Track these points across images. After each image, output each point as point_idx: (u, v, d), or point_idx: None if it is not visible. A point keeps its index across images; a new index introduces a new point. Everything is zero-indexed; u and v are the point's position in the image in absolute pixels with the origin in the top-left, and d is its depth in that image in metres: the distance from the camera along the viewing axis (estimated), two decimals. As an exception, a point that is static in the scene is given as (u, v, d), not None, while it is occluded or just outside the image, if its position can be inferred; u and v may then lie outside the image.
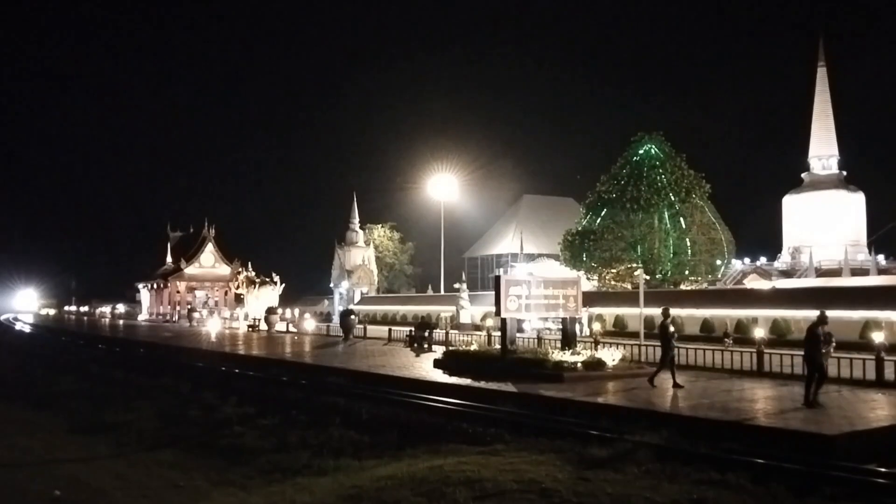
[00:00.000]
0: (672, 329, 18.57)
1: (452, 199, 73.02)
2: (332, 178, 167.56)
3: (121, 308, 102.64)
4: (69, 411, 22.82)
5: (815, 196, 75.83)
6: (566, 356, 20.63)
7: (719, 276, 51.40)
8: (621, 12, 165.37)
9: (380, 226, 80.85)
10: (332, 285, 70.02)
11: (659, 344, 19.08)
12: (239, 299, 70.42)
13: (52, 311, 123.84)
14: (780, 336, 30.40)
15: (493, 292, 22.97)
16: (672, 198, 46.16)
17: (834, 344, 18.85)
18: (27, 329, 77.55)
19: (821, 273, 63.09)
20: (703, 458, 11.82)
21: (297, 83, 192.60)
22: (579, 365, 20.08)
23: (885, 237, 70.78)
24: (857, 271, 61.24)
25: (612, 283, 46.87)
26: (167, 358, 34.60)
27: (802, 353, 16.15)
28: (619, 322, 38.48)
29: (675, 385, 17.85)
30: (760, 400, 16.27)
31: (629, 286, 44.18)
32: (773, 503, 9.92)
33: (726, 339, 27.49)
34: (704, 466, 11.28)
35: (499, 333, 24.55)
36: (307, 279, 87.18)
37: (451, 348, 27.62)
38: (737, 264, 65.48)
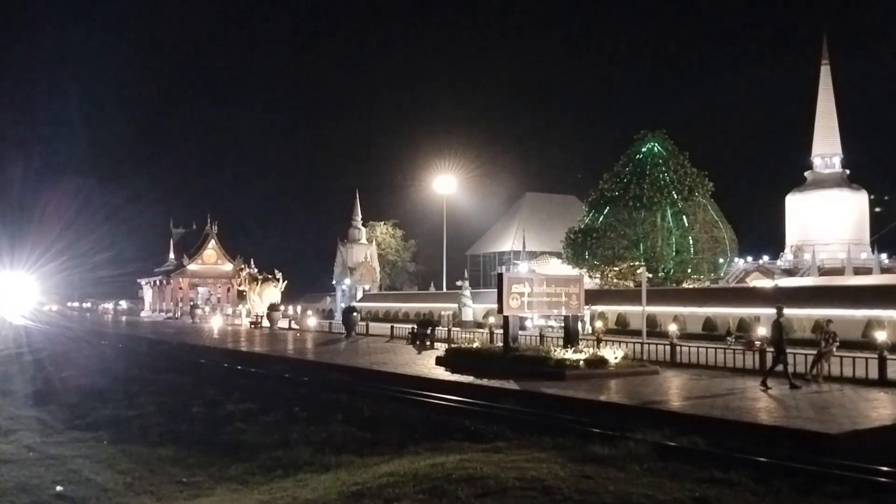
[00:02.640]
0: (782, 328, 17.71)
1: (455, 197, 73.05)
2: (334, 176, 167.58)
3: (123, 304, 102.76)
4: (71, 406, 22.85)
5: (817, 195, 75.69)
6: (568, 354, 20.63)
7: (722, 274, 51.36)
8: (625, 9, 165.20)
9: (382, 223, 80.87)
10: (334, 282, 70.08)
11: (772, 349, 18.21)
12: (241, 296, 70.52)
13: (54, 307, 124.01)
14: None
15: (496, 290, 22.98)
16: (675, 196, 46.11)
17: (837, 343, 18.80)
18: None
19: (823, 272, 62.99)
20: (705, 457, 11.81)
21: (300, 81, 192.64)
22: (581, 363, 20.08)
23: (888, 236, 70.77)
24: (860, 270, 61.13)
25: (615, 281, 46.84)
26: (170, 354, 34.64)
27: (807, 352, 16.10)
28: (622, 320, 38.47)
29: (793, 386, 17.13)
30: (763, 398, 16.26)
31: (631, 284, 44.15)
32: (775, 501, 9.91)
33: (728, 338, 27.48)
34: (707, 464, 11.27)
35: (501, 331, 24.56)
36: (310, 276, 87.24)
37: (453, 346, 27.64)
38: (739, 263, 65.41)
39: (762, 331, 23.87)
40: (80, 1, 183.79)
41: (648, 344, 24.52)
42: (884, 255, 69.60)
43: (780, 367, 17.66)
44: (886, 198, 72.84)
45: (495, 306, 23.88)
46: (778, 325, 17.76)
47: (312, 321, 49.79)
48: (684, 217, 45.88)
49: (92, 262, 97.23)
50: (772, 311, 31.94)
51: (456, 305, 48.45)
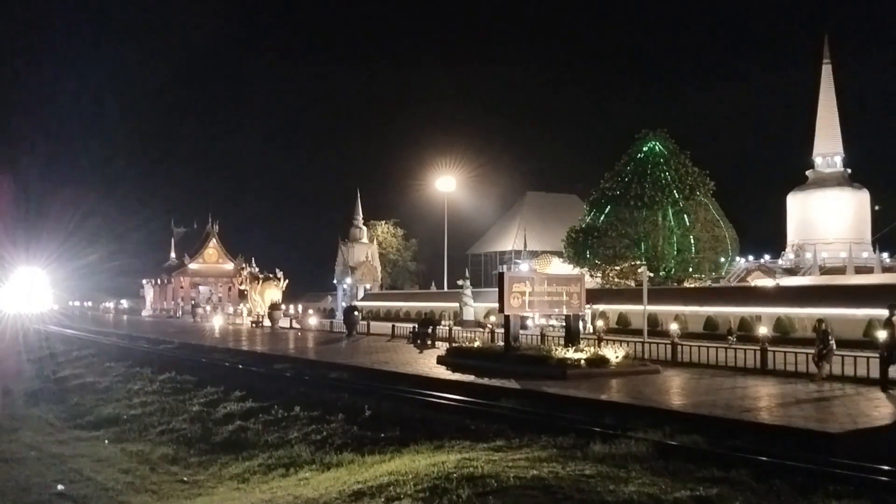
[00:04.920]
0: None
1: (456, 196, 73.03)
2: (335, 175, 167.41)
3: (125, 303, 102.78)
4: (73, 405, 22.90)
5: (819, 194, 75.60)
6: (569, 353, 20.61)
7: (723, 273, 51.28)
8: (626, 8, 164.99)
9: (383, 222, 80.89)
10: (335, 282, 70.10)
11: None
12: (243, 295, 70.59)
13: (55, 306, 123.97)
14: (783, 334, 30.34)
15: (497, 289, 22.97)
16: (676, 195, 46.05)
17: (832, 341, 18.61)
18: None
19: (825, 271, 62.93)
20: (706, 456, 11.81)
21: (301, 80, 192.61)
22: (582, 362, 20.06)
23: (890, 235, 70.68)
24: (861, 269, 61.05)
25: (616, 280, 46.81)
26: (170, 352, 34.65)
27: (808, 351, 16.02)
28: (623, 319, 38.44)
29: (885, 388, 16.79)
30: (764, 398, 16.25)
31: (633, 283, 44.10)
32: (776, 501, 9.91)
33: (729, 337, 27.44)
34: (707, 464, 11.27)
35: (502, 330, 24.56)
36: (311, 275, 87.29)
37: (454, 345, 27.63)
38: (741, 262, 65.30)
39: (763, 329, 23.86)
40: (86, 7, 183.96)
41: (650, 343, 24.49)
42: (885, 255, 69.51)
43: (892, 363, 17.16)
44: (877, 208, 72.93)
45: (496, 305, 23.86)
46: (892, 325, 17.51)
47: (313, 320, 49.80)
48: (685, 216, 45.82)
49: (93, 261, 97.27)
50: (774, 310, 32.31)
51: (457, 304, 48.46)
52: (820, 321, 19.30)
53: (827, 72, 78.11)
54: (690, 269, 46.04)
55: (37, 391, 26.66)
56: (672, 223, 45.56)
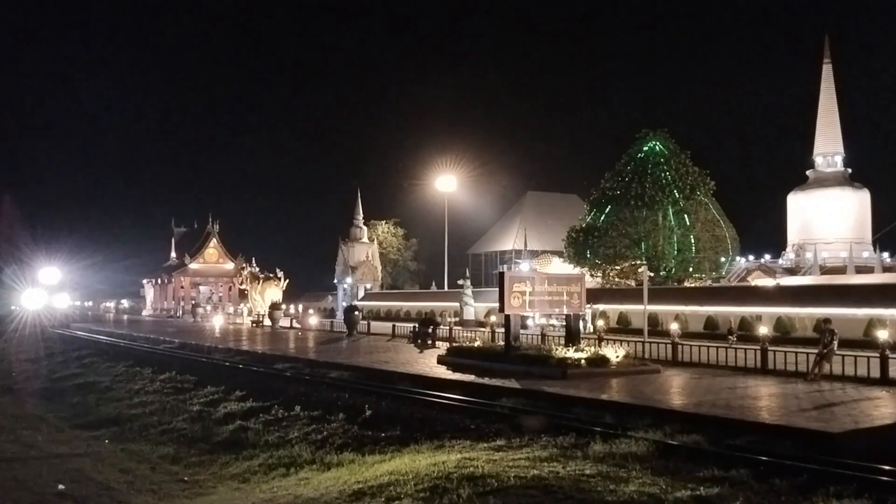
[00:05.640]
0: None
1: (456, 196, 73.04)
2: (336, 175, 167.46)
3: (125, 303, 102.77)
4: (73, 405, 22.90)
5: (819, 193, 75.59)
6: (570, 353, 20.62)
7: (723, 273, 51.26)
8: (627, 7, 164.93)
9: (384, 222, 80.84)
10: (335, 281, 70.10)
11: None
12: (243, 295, 70.62)
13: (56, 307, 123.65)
14: (784, 333, 30.33)
15: (497, 289, 22.97)
16: (676, 195, 46.03)
17: (837, 341, 18.70)
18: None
19: (825, 271, 62.88)
20: (706, 455, 11.81)
21: (302, 80, 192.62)
22: (583, 361, 20.06)
23: (890, 235, 70.66)
24: (862, 269, 61.03)
25: (616, 279, 46.79)
26: (171, 352, 34.65)
27: (808, 351, 16.02)
28: (623, 319, 38.45)
29: None
30: (764, 397, 16.24)
31: (633, 283, 44.10)
32: (776, 500, 9.90)
33: (729, 337, 27.45)
34: (708, 463, 11.27)
35: (502, 330, 24.55)
36: (311, 275, 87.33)
37: (454, 344, 27.63)
38: (741, 261, 65.28)
39: (763, 329, 23.85)
40: (91, 7, 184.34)
41: (650, 343, 24.48)
42: (885, 254, 69.49)
43: None
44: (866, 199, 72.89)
45: (497, 305, 23.86)
46: None
47: (314, 320, 49.81)
48: (686, 216, 45.78)
49: (94, 262, 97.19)
50: (774, 310, 32.28)
51: (457, 304, 48.45)
52: (826, 321, 19.31)
53: (827, 71, 78.09)
54: (691, 269, 46.00)
55: (37, 391, 26.69)
56: (672, 223, 45.54)
